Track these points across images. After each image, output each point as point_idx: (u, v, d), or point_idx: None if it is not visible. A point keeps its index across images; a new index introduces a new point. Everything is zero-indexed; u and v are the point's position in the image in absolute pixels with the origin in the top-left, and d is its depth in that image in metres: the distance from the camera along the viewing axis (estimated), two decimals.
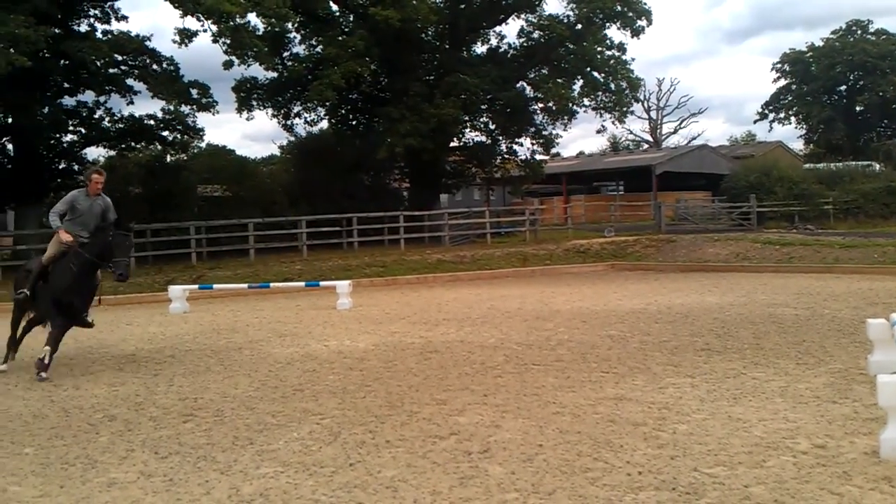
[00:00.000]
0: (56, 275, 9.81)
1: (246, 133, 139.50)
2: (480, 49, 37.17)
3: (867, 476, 5.21)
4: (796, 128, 70.89)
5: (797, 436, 6.14)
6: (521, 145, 37.85)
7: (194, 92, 29.40)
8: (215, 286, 19.44)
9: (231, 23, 26.49)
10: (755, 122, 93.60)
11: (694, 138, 71.59)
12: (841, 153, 58.40)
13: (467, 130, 36.93)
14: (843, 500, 4.81)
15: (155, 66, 29.46)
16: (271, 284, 19.97)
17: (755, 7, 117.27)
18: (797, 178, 41.98)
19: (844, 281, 18.76)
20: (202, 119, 72.65)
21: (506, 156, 38.20)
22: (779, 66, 69.26)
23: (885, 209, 38.95)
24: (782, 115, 70.12)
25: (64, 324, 9.94)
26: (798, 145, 70.43)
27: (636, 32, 33.22)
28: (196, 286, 18.51)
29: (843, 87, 66.82)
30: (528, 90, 35.49)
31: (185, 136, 32.03)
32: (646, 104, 71.76)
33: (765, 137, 73.25)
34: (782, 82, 69.62)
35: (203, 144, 35.74)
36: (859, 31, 65.90)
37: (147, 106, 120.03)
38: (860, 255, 22.25)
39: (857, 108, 65.84)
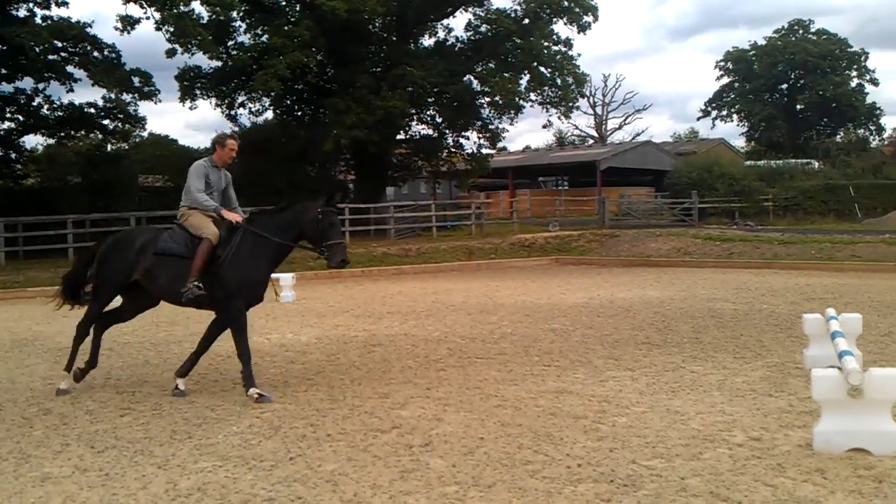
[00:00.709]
0: (240, 262, 7.80)
1: (189, 122, 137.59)
2: (428, 42, 37.26)
3: (800, 468, 5.32)
4: (738, 125, 72.25)
5: (733, 428, 6.25)
6: (468, 139, 38.02)
7: (136, 80, 28.98)
8: None
9: (175, 10, 26.16)
10: (698, 119, 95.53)
11: (638, 134, 72.55)
12: (781, 151, 59.51)
13: (414, 123, 36.89)
14: (777, 492, 4.90)
15: (96, 54, 28.96)
16: None
17: (700, 5, 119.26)
18: (738, 174, 42.68)
19: (782, 277, 19.14)
20: (144, 108, 71.57)
21: (452, 149, 38.23)
22: (722, 63, 70.51)
23: (824, 206, 39.84)
24: (725, 112, 71.34)
25: (246, 322, 8.03)
26: (740, 142, 72.00)
27: (582, 28, 33.50)
28: None
29: (785, 86, 68.13)
30: (475, 84, 35.47)
31: (127, 125, 31.55)
32: (591, 100, 72.53)
33: (707, 134, 74.62)
34: (725, 80, 70.94)
35: (145, 134, 35.33)
36: (801, 31, 67.35)
37: (87, 94, 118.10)
38: (798, 252, 22.73)
39: (798, 107, 67.16)
